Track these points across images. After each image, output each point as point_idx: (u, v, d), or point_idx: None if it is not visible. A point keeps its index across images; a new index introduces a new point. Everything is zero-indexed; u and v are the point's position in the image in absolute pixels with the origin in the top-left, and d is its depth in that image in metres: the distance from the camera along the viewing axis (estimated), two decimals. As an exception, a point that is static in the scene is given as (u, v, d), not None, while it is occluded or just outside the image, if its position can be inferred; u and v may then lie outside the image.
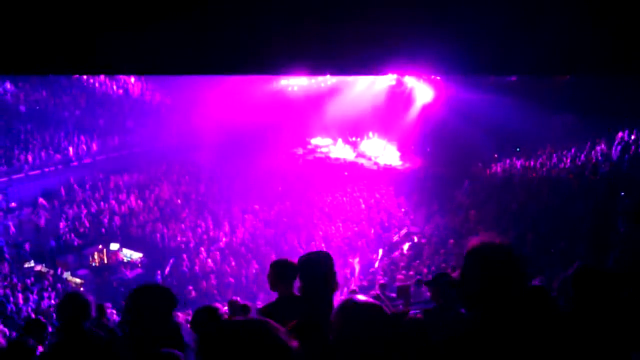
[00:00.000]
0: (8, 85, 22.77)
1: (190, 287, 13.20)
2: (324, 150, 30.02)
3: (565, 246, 11.29)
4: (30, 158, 20.22)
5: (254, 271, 14.37)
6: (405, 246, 16.40)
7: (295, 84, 31.14)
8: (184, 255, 15.19)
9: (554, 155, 18.29)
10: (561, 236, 11.81)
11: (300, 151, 29.94)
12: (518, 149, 20.27)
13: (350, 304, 2.08)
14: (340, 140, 30.31)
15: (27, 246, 16.27)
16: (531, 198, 15.01)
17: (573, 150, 17.91)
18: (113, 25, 4.26)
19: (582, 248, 11.16)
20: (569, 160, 17.51)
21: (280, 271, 3.78)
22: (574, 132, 18.66)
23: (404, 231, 18.01)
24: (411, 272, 12.05)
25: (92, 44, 4.46)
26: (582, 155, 17.31)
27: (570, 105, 19.01)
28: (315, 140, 30.90)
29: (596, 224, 11.68)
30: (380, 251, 16.34)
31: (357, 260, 15.57)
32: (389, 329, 2.04)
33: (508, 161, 19.81)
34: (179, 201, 20.08)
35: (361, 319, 2.01)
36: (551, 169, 17.32)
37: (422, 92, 27.14)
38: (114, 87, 27.80)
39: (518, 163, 18.98)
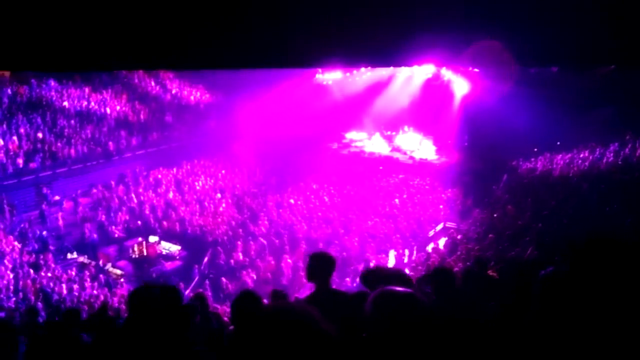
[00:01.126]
0: (52, 83, 23.52)
1: (226, 280, 13.38)
2: (358, 144, 29.92)
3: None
4: (73, 152, 20.86)
5: (289, 264, 14.43)
6: (441, 242, 16.22)
7: (330, 78, 31.08)
8: (219, 249, 15.41)
9: (597, 149, 17.73)
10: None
11: (335, 145, 29.92)
12: (558, 143, 19.72)
13: (387, 293, 2.08)
14: (375, 135, 30.16)
15: (70, 238, 16.85)
16: (571, 194, 14.58)
17: (617, 145, 17.31)
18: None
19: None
20: (612, 155, 16.93)
21: (318, 264, 3.81)
22: (615, 126, 18.04)
23: (440, 226, 17.81)
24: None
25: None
26: (627, 150, 16.71)
27: (611, 98, 18.39)
28: (351, 135, 30.83)
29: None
30: (414, 247, 16.18)
31: (392, 254, 15.47)
32: (425, 316, 2.04)
33: (548, 155, 19.28)
34: (218, 195, 20.37)
35: (399, 308, 2.00)
36: (593, 164, 16.79)
37: (459, 85, 26.71)
38: (152, 83, 28.32)
39: (558, 157, 18.44)
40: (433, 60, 20.15)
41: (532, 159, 19.98)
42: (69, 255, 15.30)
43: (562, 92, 20.75)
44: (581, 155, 17.99)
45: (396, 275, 3.87)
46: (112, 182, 20.91)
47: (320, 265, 3.78)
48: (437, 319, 2.27)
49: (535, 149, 20.40)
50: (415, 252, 15.65)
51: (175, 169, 23.73)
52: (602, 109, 18.31)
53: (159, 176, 22.26)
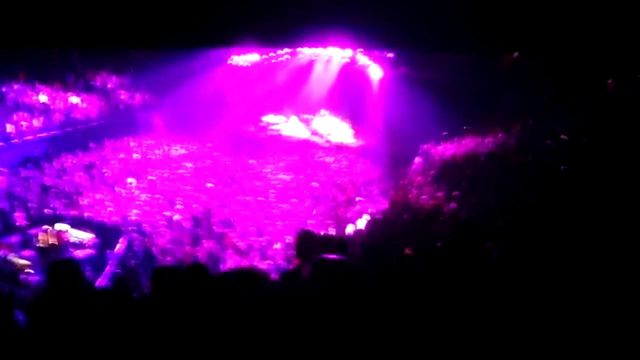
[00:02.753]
0: None
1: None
2: (276, 127, 29.86)
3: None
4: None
5: (205, 249, 14.22)
6: (360, 222, 16.62)
7: (247, 60, 30.62)
8: (136, 236, 14.88)
9: (500, 134, 18.85)
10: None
11: (252, 129, 29.68)
12: (465, 128, 20.77)
13: (323, 263, 2.36)
14: (293, 118, 30.22)
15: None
16: (480, 175, 15.43)
17: (518, 129, 18.52)
18: None
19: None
20: (514, 139, 18.07)
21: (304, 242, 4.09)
22: (518, 111, 19.26)
23: (357, 207, 18.23)
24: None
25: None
26: (527, 134, 17.92)
27: (515, 85, 19.61)
28: (267, 118, 30.67)
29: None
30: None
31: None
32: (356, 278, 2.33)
33: (456, 140, 20.26)
34: (130, 180, 19.52)
35: (334, 275, 2.29)
36: (498, 147, 17.85)
37: (375, 70, 27.36)
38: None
39: (467, 140, 19.42)
40: (347, 43, 20.63)
41: (442, 143, 20.91)
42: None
43: (470, 79, 21.95)
44: (486, 140, 19.05)
45: (329, 242, 4.06)
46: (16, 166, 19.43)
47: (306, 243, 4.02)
48: (366, 279, 2.44)
49: (445, 133, 21.36)
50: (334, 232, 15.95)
51: (82, 153, 22.45)
52: (507, 96, 19.49)
53: (67, 160, 20.93)
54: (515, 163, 14.19)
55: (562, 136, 12.99)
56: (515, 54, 19.07)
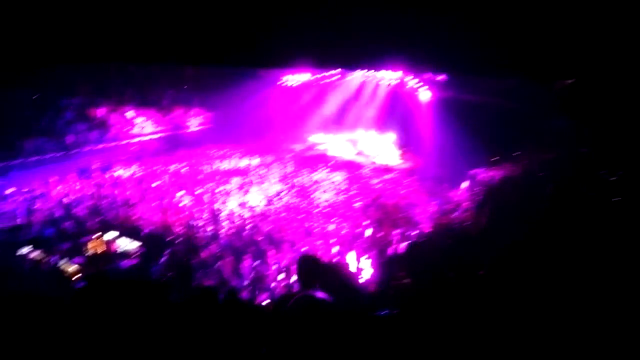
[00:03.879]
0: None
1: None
2: (322, 147, 30.06)
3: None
4: (29, 144, 20.19)
5: (248, 265, 14.32)
6: (402, 245, 16.39)
7: (296, 79, 31.16)
8: (179, 247, 15.18)
9: (551, 160, 18.28)
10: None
11: (298, 148, 29.98)
12: (518, 153, 20.25)
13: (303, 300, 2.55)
14: (339, 138, 30.37)
15: (23, 233, 16.24)
16: (528, 201, 14.98)
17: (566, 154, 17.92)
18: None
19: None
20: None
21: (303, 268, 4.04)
22: (568, 136, 18.64)
23: (400, 230, 17.99)
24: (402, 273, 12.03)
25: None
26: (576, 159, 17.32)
27: (565, 110, 19.03)
28: (314, 137, 30.94)
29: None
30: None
31: (352, 257, 15.55)
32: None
33: (506, 164, 19.77)
34: (179, 193, 20.03)
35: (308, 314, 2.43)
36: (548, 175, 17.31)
37: (424, 92, 27.18)
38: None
39: (517, 166, 18.93)
40: (398, 67, 20.68)
41: (491, 168, 20.46)
42: (21, 250, 14.69)
43: (522, 103, 21.45)
44: (533, 167, 18.48)
45: (330, 270, 4.04)
46: (71, 176, 20.41)
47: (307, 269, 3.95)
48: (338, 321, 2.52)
49: (495, 158, 20.91)
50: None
51: (136, 166, 23.36)
52: (559, 122, 18.93)
53: (120, 172, 21.79)
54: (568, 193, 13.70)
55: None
56: (570, 81, 18.53)
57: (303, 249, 15.78)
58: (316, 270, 3.98)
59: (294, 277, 13.31)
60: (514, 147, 20.24)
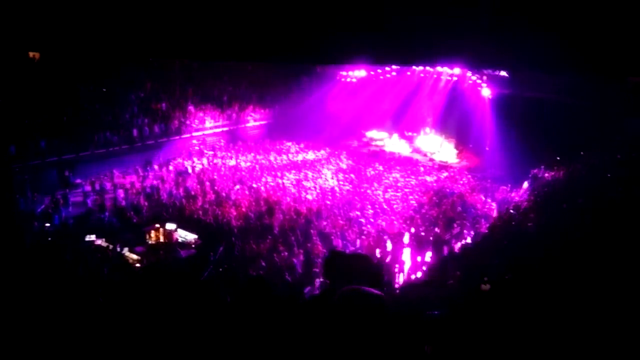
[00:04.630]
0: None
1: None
2: (379, 143, 29.90)
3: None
4: (96, 137, 21.28)
5: (301, 258, 14.46)
6: (458, 245, 16.12)
7: (353, 75, 31.12)
8: (234, 239, 15.51)
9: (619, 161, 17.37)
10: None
11: (355, 143, 29.97)
12: (582, 153, 19.40)
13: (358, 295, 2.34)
14: (395, 135, 30.10)
15: (89, 221, 17.14)
16: (593, 203, 14.32)
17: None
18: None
19: None
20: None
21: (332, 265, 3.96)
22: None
23: (456, 229, 17.67)
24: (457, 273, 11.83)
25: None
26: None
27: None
28: (371, 133, 30.81)
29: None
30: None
31: (407, 254, 15.43)
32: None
33: (573, 164, 18.98)
34: (236, 187, 20.48)
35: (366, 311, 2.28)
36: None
37: (484, 90, 26.48)
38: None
39: (583, 166, 18.14)
40: (460, 64, 20.23)
41: (553, 168, 19.70)
42: (86, 238, 15.50)
43: (589, 101, 20.47)
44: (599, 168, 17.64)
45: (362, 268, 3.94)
46: (137, 168, 21.41)
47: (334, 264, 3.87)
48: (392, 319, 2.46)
49: (558, 158, 20.12)
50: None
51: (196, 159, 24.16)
52: (631, 121, 17.95)
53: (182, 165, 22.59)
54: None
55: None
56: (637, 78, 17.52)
57: (354, 245, 15.82)
58: (346, 267, 3.97)
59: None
60: (580, 147, 19.38)
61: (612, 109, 19.07)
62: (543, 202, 15.36)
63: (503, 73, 25.34)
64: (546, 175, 19.52)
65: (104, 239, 15.41)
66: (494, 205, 19.75)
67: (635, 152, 15.39)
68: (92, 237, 15.27)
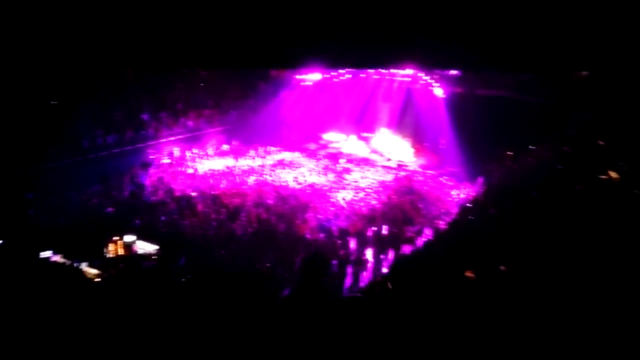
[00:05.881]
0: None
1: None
2: (336, 145, 30.11)
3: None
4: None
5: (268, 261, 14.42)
6: (418, 242, 16.39)
7: (309, 79, 31.25)
8: (197, 249, 15.30)
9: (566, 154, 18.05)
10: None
11: (313, 146, 30.07)
12: (534, 147, 20.10)
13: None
14: (352, 136, 30.40)
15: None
16: (547, 195, 14.83)
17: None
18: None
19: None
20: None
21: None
22: (590, 129, 18.42)
23: (417, 228, 17.98)
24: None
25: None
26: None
27: (588, 103, 18.80)
28: (328, 136, 31.00)
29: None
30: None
31: (370, 254, 15.60)
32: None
33: (525, 158, 19.63)
34: (194, 194, 20.19)
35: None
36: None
37: (437, 90, 27.10)
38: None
39: (535, 160, 18.78)
40: (410, 65, 20.65)
41: (505, 163, 20.33)
42: (41, 254, 14.91)
43: (537, 97, 21.27)
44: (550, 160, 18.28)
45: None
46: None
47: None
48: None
49: (510, 153, 20.77)
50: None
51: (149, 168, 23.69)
52: (576, 115, 18.72)
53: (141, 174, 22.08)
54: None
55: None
56: (586, 73, 18.35)
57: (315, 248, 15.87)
58: (324, 268, 4.10)
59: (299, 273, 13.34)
60: (531, 141, 20.08)
61: (561, 104, 19.83)
62: (499, 197, 15.80)
63: (454, 72, 25.99)
64: (500, 170, 20.13)
65: (61, 255, 14.90)
66: (452, 199, 20.23)
67: (585, 144, 16.06)
68: (49, 253, 14.74)
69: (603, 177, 10.91)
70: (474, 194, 19.41)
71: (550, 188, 12.68)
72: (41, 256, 14.70)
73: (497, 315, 4.94)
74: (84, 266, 14.64)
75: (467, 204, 17.37)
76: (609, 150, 14.17)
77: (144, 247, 16.06)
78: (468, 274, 7.82)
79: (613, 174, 9.62)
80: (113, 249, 15.67)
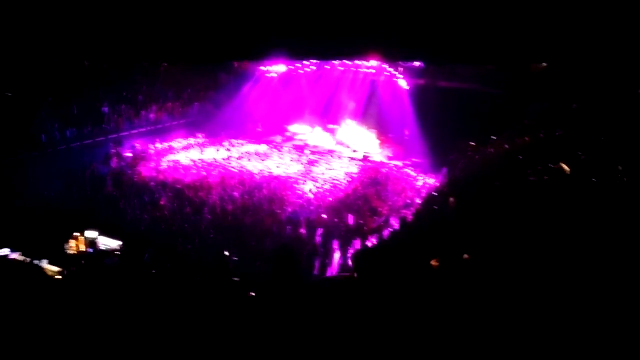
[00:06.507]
0: None
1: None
2: (302, 137, 30.09)
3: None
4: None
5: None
6: (383, 233, 16.57)
7: (273, 71, 31.09)
8: (162, 244, 15.08)
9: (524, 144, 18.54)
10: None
11: (279, 139, 29.97)
12: (495, 138, 20.55)
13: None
14: (317, 128, 30.43)
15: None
16: (508, 185, 15.19)
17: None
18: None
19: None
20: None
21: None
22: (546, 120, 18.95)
23: (383, 219, 18.17)
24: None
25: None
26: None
27: (544, 94, 19.32)
28: (294, 128, 30.96)
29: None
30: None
31: (334, 245, 15.68)
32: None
33: (486, 149, 20.05)
34: (158, 188, 19.85)
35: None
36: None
37: (401, 81, 27.37)
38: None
39: (495, 150, 19.21)
40: (374, 56, 20.81)
41: (468, 153, 20.72)
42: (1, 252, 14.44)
43: (497, 89, 21.78)
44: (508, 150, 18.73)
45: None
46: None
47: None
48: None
49: (472, 144, 21.18)
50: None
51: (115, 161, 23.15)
52: (534, 106, 19.23)
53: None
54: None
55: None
56: (544, 65, 18.85)
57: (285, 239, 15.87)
58: (295, 261, 4.17)
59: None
60: (492, 132, 20.53)
61: (519, 95, 20.34)
62: (461, 187, 16.10)
63: (417, 64, 26.29)
64: (463, 161, 20.51)
65: (20, 253, 14.45)
66: (417, 189, 20.52)
67: (543, 134, 16.51)
68: (6, 251, 14.27)
69: (555, 166, 11.26)
70: (438, 184, 19.73)
71: (510, 177, 12.99)
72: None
73: (461, 303, 5.04)
74: (44, 264, 14.26)
75: (432, 194, 17.64)
76: (566, 140, 14.64)
77: (107, 243, 15.72)
78: (433, 262, 7.95)
79: (565, 167, 9.95)
80: (74, 246, 15.30)
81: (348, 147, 28.46)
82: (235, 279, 12.84)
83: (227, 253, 14.56)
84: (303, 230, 16.21)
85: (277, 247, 14.44)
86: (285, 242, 15.18)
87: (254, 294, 5.93)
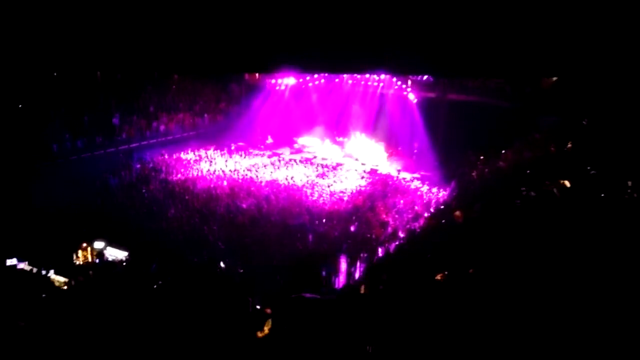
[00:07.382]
0: None
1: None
2: (311, 150, 30.14)
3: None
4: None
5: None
6: (392, 245, 16.47)
7: (283, 83, 31.27)
8: (171, 254, 15.08)
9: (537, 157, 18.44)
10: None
11: (288, 151, 30.04)
12: (505, 151, 20.45)
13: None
14: (326, 141, 30.47)
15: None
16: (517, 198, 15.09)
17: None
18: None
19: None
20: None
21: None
22: (559, 134, 18.86)
23: (390, 231, 18.08)
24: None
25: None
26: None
27: (555, 108, 19.25)
28: (303, 140, 31.02)
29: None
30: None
31: (343, 257, 15.60)
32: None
33: (496, 162, 19.94)
34: (167, 198, 19.93)
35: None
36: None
37: (410, 95, 27.40)
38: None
39: (504, 163, 19.10)
40: (383, 71, 20.88)
41: (480, 166, 20.61)
42: (8, 262, 14.52)
43: (507, 102, 21.73)
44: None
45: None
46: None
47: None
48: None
49: (482, 157, 21.08)
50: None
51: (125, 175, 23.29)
52: (544, 119, 19.15)
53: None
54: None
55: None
56: (554, 79, 18.80)
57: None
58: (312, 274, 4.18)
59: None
60: (502, 146, 20.45)
61: (528, 108, 20.28)
62: (471, 200, 16.00)
63: (426, 78, 26.35)
64: (472, 173, 20.40)
65: (26, 262, 14.53)
66: (426, 202, 20.41)
67: (554, 147, 16.41)
68: (14, 261, 14.36)
69: (555, 184, 11.20)
70: (447, 197, 19.64)
71: (517, 193, 12.90)
72: (7, 264, 14.33)
73: (467, 316, 4.99)
74: (51, 274, 14.31)
75: (440, 207, 17.56)
76: (575, 154, 14.53)
77: (114, 254, 15.77)
78: (438, 277, 7.90)
79: (566, 182, 9.90)
80: (82, 256, 15.36)
81: (357, 159, 28.45)
82: (244, 292, 12.82)
83: (235, 264, 14.55)
84: (314, 243, 16.17)
85: (293, 260, 14.45)
86: (300, 255, 15.14)
87: (269, 311, 5.86)
